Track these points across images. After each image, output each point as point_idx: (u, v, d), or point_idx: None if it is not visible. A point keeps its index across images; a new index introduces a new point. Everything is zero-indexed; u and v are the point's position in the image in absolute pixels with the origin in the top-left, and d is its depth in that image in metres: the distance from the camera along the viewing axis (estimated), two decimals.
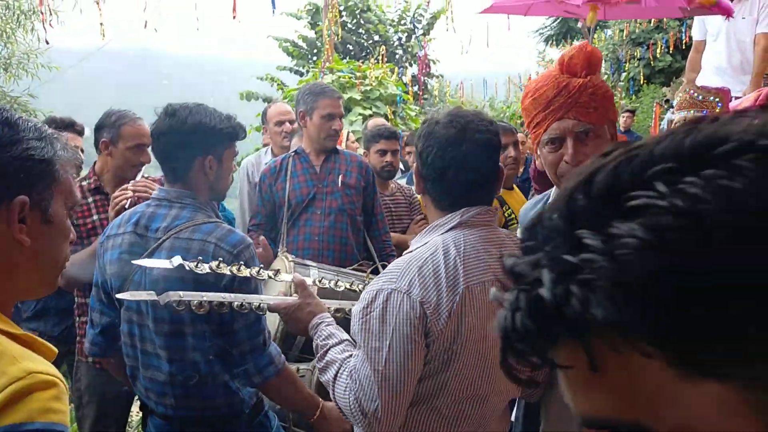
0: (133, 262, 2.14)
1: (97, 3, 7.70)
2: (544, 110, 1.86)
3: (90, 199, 3.11)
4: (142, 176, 3.19)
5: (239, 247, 2.18)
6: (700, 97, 2.96)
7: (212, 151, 2.30)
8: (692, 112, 2.88)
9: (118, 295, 2.12)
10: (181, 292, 2.01)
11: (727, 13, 3.51)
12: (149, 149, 3.10)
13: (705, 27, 4.86)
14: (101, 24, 7.93)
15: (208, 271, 2.06)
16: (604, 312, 0.44)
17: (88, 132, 4.05)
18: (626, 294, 0.43)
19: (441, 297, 1.65)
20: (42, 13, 7.70)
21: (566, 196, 0.51)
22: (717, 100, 2.96)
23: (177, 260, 2.07)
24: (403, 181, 4.85)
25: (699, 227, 0.43)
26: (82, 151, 4.10)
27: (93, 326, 2.39)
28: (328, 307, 2.14)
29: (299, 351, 2.76)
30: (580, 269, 0.46)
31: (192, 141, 2.26)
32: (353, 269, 3.22)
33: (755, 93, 2.95)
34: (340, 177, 3.65)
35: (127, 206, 2.72)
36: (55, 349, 1.19)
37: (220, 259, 2.10)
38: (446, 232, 1.77)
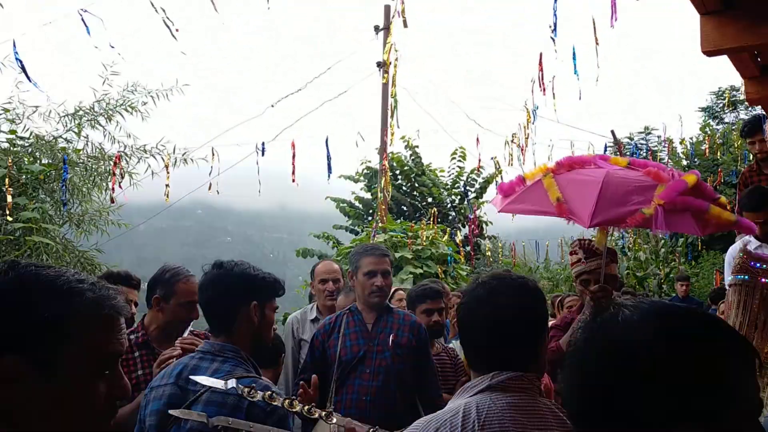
0: (170, 412, 2.13)
1: (167, 167, 8.38)
2: None
3: (136, 353, 3.11)
4: (190, 332, 3.22)
5: (272, 405, 2.15)
6: (752, 264, 2.98)
7: (255, 300, 2.37)
8: (746, 277, 2.88)
9: (171, 411, 2.11)
10: (230, 418, 2.02)
11: (749, 230, 3.50)
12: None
13: None
14: (167, 185, 8.54)
15: (260, 399, 2.07)
16: None
17: None
18: None
19: None
20: (114, 176, 8.34)
21: None
22: (765, 267, 2.96)
23: (231, 383, 2.09)
24: (455, 343, 4.76)
25: None
26: (136, 304, 4.17)
27: None
28: None
29: None
30: None
31: (236, 290, 2.35)
32: None
33: None
34: (392, 336, 3.60)
35: (173, 360, 2.74)
36: None
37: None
38: (475, 394, 1.71)
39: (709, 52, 2.61)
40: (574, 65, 7.27)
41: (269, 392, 2.11)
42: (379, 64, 12.03)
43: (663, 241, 16.66)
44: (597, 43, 7.36)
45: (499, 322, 1.75)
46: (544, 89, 7.40)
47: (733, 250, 4.55)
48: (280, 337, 4.87)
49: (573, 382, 1.05)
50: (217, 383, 2.11)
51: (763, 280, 2.95)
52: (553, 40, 7.45)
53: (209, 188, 8.87)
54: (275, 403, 2.10)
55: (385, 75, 8.24)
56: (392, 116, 8.03)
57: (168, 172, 7.75)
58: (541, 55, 7.27)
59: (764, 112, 4.96)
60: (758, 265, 2.98)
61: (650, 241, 16.18)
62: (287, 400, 2.12)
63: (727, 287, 2.94)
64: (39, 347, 1.07)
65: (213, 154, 9.01)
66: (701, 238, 15.92)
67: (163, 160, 8.53)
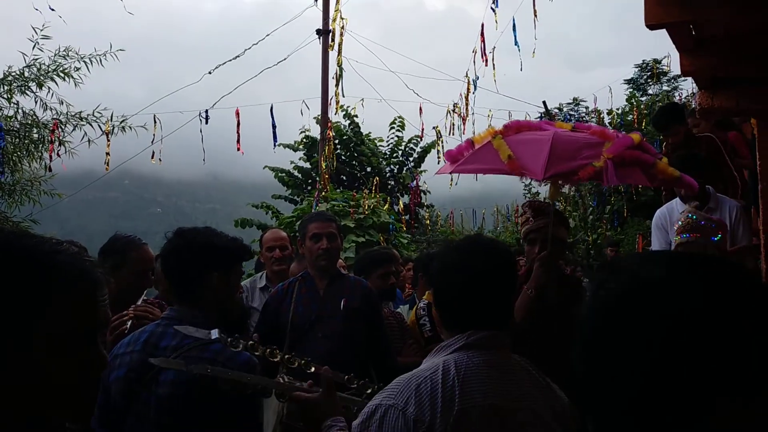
0: (150, 360, 2.13)
1: (107, 134, 8.08)
2: None
3: None
4: (143, 300, 3.19)
5: (246, 367, 2.19)
6: (702, 222, 3.12)
7: (220, 270, 2.38)
8: (698, 235, 3.01)
9: (151, 360, 2.12)
10: (208, 366, 2.03)
11: (691, 190, 3.65)
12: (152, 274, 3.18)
13: None
14: (107, 153, 8.25)
15: (241, 348, 2.12)
16: None
17: None
18: None
19: (435, 416, 1.66)
20: (51, 143, 7.98)
21: None
22: (716, 227, 3.11)
23: (215, 333, 2.11)
24: (404, 308, 4.90)
25: None
26: None
27: None
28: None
29: None
30: None
31: (201, 259, 2.35)
32: (350, 394, 3.17)
33: None
34: (343, 301, 3.67)
35: (126, 331, 2.70)
36: None
37: (243, 363, 2.14)
38: (452, 352, 1.81)
39: (652, 26, 2.77)
40: (515, 37, 7.43)
41: (251, 342, 2.14)
42: (318, 32, 11.89)
43: (591, 209, 17.35)
44: (535, 15, 7.55)
45: (474, 284, 1.84)
46: (486, 60, 7.54)
47: (661, 213, 4.81)
48: (244, 303, 4.92)
49: (597, 359, 0.89)
50: (200, 333, 2.13)
51: (714, 238, 3.12)
52: (494, 11, 7.59)
53: (152, 156, 8.61)
54: (257, 353, 2.13)
55: (331, 43, 8.17)
56: (337, 85, 8.00)
57: (108, 140, 7.46)
58: (483, 26, 7.39)
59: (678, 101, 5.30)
60: (705, 223, 3.12)
61: (579, 209, 16.81)
62: (267, 349, 2.15)
63: (672, 247, 3.07)
64: (14, 318, 1.04)
65: (155, 122, 8.73)
66: (626, 205, 16.68)
67: (101, 128, 8.19)
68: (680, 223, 3.15)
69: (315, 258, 3.72)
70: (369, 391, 2.33)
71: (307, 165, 17.48)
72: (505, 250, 1.95)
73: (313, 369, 2.27)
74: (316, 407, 2.05)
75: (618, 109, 19.45)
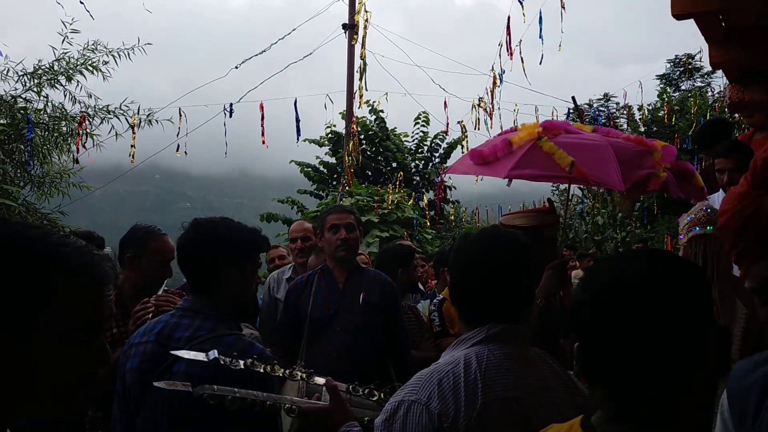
0: (155, 384, 2.10)
1: (132, 127, 8.14)
2: None
3: None
4: (164, 290, 3.21)
5: (261, 358, 2.16)
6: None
7: (236, 262, 2.35)
8: (709, 228, 2.92)
9: (155, 383, 2.09)
10: (215, 386, 1.99)
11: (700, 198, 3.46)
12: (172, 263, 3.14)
13: None
14: (132, 146, 8.33)
15: (242, 367, 2.06)
16: None
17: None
18: None
19: (459, 410, 1.64)
20: (79, 136, 8.09)
21: None
22: None
23: (213, 354, 2.07)
24: (424, 303, 4.89)
25: None
26: None
27: None
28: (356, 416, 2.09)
29: None
30: None
31: (216, 252, 2.32)
32: (367, 391, 3.15)
33: None
34: (362, 295, 3.65)
35: (147, 318, 2.74)
36: None
37: (255, 356, 2.12)
38: (472, 346, 1.78)
39: (679, 16, 2.68)
40: (540, 30, 7.32)
41: (250, 360, 2.10)
42: (344, 27, 11.88)
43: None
44: (563, 7, 7.42)
45: (494, 277, 1.82)
46: (512, 54, 7.44)
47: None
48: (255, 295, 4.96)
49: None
50: (198, 356, 2.10)
51: None
52: (521, 3, 7.48)
53: (177, 150, 8.67)
54: (257, 370, 2.09)
55: (355, 36, 8.14)
56: (361, 79, 7.97)
57: (134, 133, 7.53)
58: (509, 18, 7.29)
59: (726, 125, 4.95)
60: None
61: (608, 206, 16.56)
62: (269, 366, 2.12)
63: (685, 241, 2.91)
64: (14, 310, 1.02)
65: (180, 115, 8.78)
66: (656, 202, 16.38)
67: (128, 121, 8.27)
68: (691, 216, 3.01)
69: (334, 249, 3.70)
70: (374, 398, 2.31)
71: (333, 160, 17.53)
72: (523, 243, 1.91)
73: (315, 380, 2.24)
74: (327, 417, 2.03)
75: (649, 105, 19.13)
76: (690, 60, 20.26)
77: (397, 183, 13.56)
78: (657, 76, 22.47)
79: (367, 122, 17.42)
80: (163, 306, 2.86)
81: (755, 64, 3.76)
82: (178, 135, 8.69)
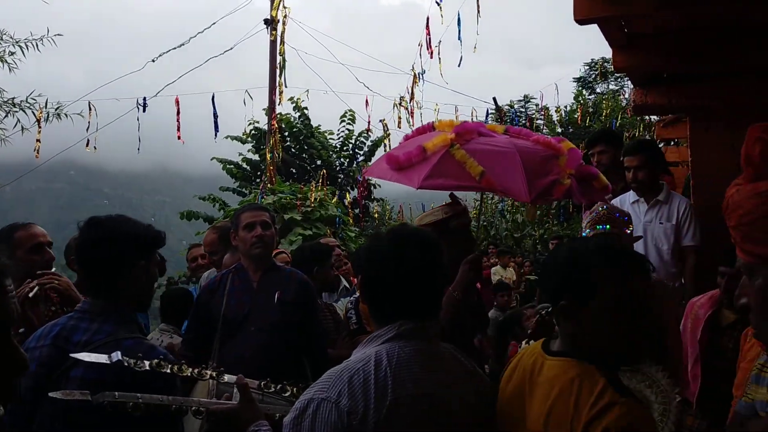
0: (50, 394, 2.00)
1: (38, 121, 7.71)
2: None
3: None
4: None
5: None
6: (617, 215, 3.19)
7: (140, 258, 2.28)
8: (608, 227, 3.06)
9: (51, 394, 1.99)
10: (116, 393, 1.92)
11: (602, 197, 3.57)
12: (50, 248, 3.22)
13: None
14: (37, 140, 7.90)
15: (148, 369, 2.00)
16: None
17: None
18: None
19: (369, 407, 1.64)
20: None
21: None
22: (627, 219, 3.19)
23: (117, 356, 2.00)
24: (343, 301, 4.89)
25: None
26: None
27: None
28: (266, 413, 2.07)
29: None
30: None
31: (122, 250, 2.24)
32: (279, 387, 3.11)
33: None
34: (277, 293, 3.61)
35: (30, 295, 2.78)
36: None
37: (159, 358, 2.06)
38: (383, 343, 1.79)
39: (581, 21, 2.79)
40: (459, 31, 7.46)
41: (156, 360, 2.04)
42: (266, 22, 11.70)
43: (539, 205, 17.65)
44: (478, 11, 7.59)
45: (404, 275, 1.82)
46: (432, 53, 7.55)
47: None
48: (188, 290, 4.83)
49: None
50: (100, 358, 2.02)
51: (627, 231, 3.16)
52: (439, 4, 7.61)
53: (86, 145, 8.27)
54: (164, 371, 2.03)
55: (273, 32, 8.03)
56: (281, 75, 7.87)
57: (39, 127, 7.12)
58: (428, 19, 7.40)
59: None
60: (619, 216, 3.17)
61: (526, 204, 17.07)
62: (176, 366, 2.07)
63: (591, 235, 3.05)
64: None
65: (90, 109, 8.38)
66: (571, 201, 16.99)
67: (35, 115, 7.81)
68: (593, 215, 3.17)
69: (250, 246, 3.64)
70: (287, 394, 2.29)
71: (256, 157, 17.25)
72: (432, 241, 1.93)
73: (225, 378, 2.20)
74: (236, 417, 2.00)
75: (566, 107, 19.86)
76: (605, 63, 21.17)
77: (321, 181, 13.50)
78: (574, 78, 23.35)
79: (291, 119, 17.24)
80: (48, 284, 2.98)
81: (656, 69, 3.95)
82: (87, 129, 8.29)
